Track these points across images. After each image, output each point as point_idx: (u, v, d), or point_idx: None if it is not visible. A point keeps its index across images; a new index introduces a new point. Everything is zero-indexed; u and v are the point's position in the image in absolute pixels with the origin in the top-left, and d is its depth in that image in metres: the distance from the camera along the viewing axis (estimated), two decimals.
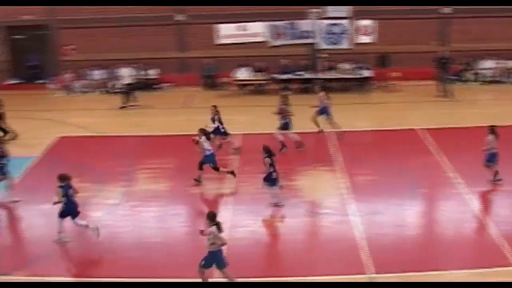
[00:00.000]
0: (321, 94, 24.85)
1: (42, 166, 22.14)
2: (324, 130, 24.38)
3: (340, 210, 18.06)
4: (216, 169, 20.09)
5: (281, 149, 22.36)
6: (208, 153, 20.03)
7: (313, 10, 29.97)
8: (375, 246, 15.74)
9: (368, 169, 20.98)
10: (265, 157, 18.09)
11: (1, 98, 25.20)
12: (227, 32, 30.83)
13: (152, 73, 31.94)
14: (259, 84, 30.96)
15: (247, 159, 21.89)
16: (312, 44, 30.65)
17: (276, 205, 18.26)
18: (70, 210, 16.47)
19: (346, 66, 31.54)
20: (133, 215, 18.48)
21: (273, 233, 17.04)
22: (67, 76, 32.23)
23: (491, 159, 19.07)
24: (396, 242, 16.23)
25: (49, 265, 15.80)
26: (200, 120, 24.75)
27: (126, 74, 30.60)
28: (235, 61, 30.82)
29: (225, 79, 31.67)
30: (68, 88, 32.17)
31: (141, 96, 30.59)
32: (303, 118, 23.81)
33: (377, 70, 31.33)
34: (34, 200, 19.43)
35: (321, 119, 24.41)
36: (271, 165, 18.20)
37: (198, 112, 26.77)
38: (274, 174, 18.29)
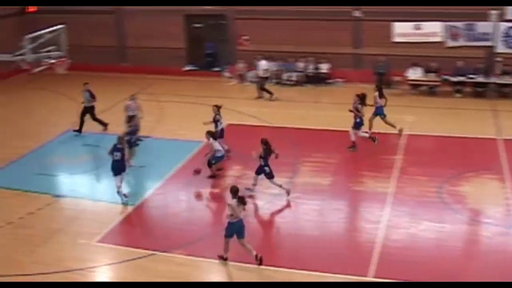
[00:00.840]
0: (376, 94, 24.16)
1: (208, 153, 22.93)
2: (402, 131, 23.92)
3: (503, 221, 17.42)
4: (210, 165, 20.55)
5: (351, 147, 22.76)
6: (219, 154, 20.32)
7: (493, 11, 28.93)
8: None
9: None
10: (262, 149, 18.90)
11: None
12: (403, 30, 30.40)
13: (324, 68, 32.08)
14: (431, 85, 30.32)
15: (410, 160, 21.61)
16: (489, 47, 29.64)
17: (250, 194, 19.01)
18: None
19: None
20: (293, 207, 18.76)
21: (430, 237, 16.62)
22: (240, 65, 33.02)
23: None
24: None
25: (205, 247, 16.41)
26: (368, 117, 24.72)
27: (263, 67, 30.82)
28: (408, 60, 30.32)
29: (397, 78, 31.25)
30: (241, 77, 32.97)
31: (312, 90, 30.87)
32: (480, 123, 23.14)
33: None
34: (195, 184, 20.28)
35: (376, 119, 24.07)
36: (264, 158, 18.90)
37: (368, 109, 26.62)
38: (267, 169, 18.95)
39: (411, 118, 25.84)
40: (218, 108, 22.57)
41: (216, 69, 34.59)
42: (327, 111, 27.13)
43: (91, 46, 35.51)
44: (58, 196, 19.70)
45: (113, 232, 17.36)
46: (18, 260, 16.11)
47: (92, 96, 25.11)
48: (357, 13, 31.36)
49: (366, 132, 23.20)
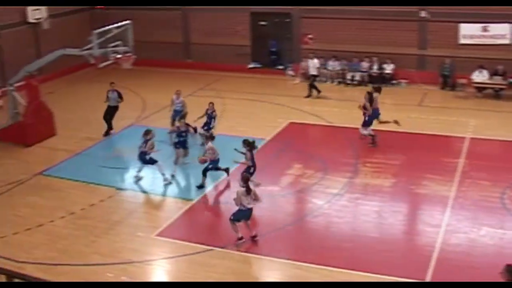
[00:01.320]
0: (375, 95, 23.78)
1: (271, 149, 23.08)
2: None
3: None
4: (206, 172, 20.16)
5: (371, 143, 23.06)
6: (217, 157, 20.02)
7: None
8: None
9: None
10: (247, 151, 18.86)
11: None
12: (469, 32, 29.98)
13: (388, 68, 31.79)
14: (497, 89, 29.71)
15: (473, 164, 21.27)
16: None
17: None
18: None
19: None
20: (353, 207, 18.67)
21: (490, 243, 16.27)
22: (304, 64, 32.95)
23: None
24: None
25: (263, 244, 16.49)
26: (433, 119, 24.47)
27: (313, 65, 30.59)
28: (474, 62, 29.80)
29: (462, 80, 30.76)
30: (304, 76, 32.92)
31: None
32: None
33: None
34: (256, 180, 20.37)
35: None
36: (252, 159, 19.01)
37: (432, 111, 26.43)
38: (252, 169, 18.98)
39: (475, 121, 25.43)
40: (213, 105, 23.64)
41: (279, 67, 34.61)
42: (389, 112, 26.81)
43: (156, 42, 35.96)
44: (120, 189, 20.07)
45: (172, 226, 17.58)
46: (79, 250, 16.47)
47: (120, 97, 25.40)
48: (423, 14, 30.96)
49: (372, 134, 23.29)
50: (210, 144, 19.90)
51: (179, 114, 23.67)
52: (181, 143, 21.34)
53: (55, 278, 13.74)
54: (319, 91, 29.97)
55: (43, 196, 19.93)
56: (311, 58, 30.57)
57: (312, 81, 30.24)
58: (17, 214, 18.71)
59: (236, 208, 16.23)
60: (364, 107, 22.95)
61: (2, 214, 18.76)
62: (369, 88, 26.41)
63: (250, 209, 16.14)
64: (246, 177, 16.35)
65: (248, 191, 15.93)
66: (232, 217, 16.24)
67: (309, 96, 29.85)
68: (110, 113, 25.45)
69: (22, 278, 8.63)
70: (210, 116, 23.43)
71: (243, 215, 16.18)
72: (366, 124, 23.01)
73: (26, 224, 17.97)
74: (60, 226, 17.83)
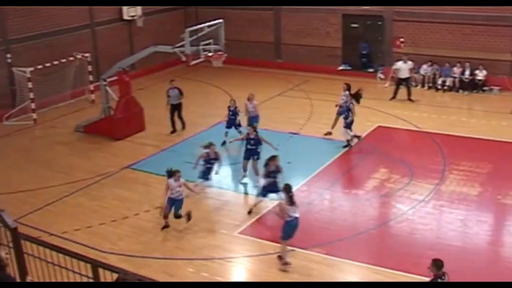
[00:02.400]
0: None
1: (358, 152, 23.00)
2: None
3: None
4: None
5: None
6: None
7: None
8: None
9: None
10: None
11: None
12: None
13: (480, 74, 31.04)
14: None
15: None
16: None
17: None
18: None
19: None
20: (437, 214, 18.38)
21: None
22: (395, 67, 32.51)
23: None
24: None
25: (344, 248, 16.48)
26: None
27: (404, 68, 29.90)
28: None
29: None
30: (394, 80, 32.51)
31: (466, 97, 30.02)
32: None
33: None
34: (340, 184, 20.32)
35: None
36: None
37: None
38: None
39: None
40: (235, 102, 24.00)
41: (370, 70, 34.31)
42: (479, 119, 26.34)
43: (247, 41, 36.27)
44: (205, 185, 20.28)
45: (255, 225, 17.72)
46: (162, 244, 16.79)
47: (181, 93, 25.62)
48: None
49: (356, 136, 23.08)
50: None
51: (255, 120, 23.65)
52: (252, 152, 20.66)
53: (137, 270, 13.99)
54: (409, 94, 29.54)
55: (129, 189, 20.43)
56: (404, 61, 30.04)
57: (399, 84, 29.77)
58: (104, 206, 19.26)
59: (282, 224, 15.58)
60: (349, 109, 22.68)
61: (90, 205, 19.33)
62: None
63: (297, 220, 15.41)
64: (289, 187, 15.45)
65: (290, 200, 15.20)
66: (282, 235, 15.51)
67: (393, 98, 29.53)
68: (175, 112, 25.77)
69: (106, 267, 8.83)
70: (234, 112, 23.81)
71: (290, 228, 15.43)
72: (348, 125, 22.77)
73: (112, 215, 18.48)
74: (145, 220, 18.23)
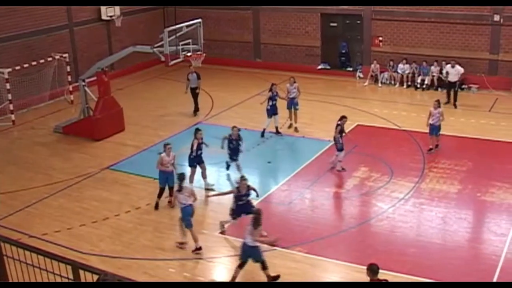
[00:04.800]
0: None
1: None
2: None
3: None
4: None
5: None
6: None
7: None
8: None
9: None
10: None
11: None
12: None
13: (454, 72, 30.96)
14: None
15: None
16: None
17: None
18: None
19: None
20: (418, 212, 18.46)
21: None
22: (373, 66, 32.64)
23: None
24: None
25: (325, 246, 16.51)
26: (503, 125, 24.02)
27: (452, 72, 29.69)
28: None
29: None
30: (373, 79, 32.64)
31: (444, 95, 30.15)
32: None
33: None
34: (320, 183, 20.34)
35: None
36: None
37: (503, 118, 25.85)
38: (193, 155, 19.54)
39: None
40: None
41: (349, 69, 34.39)
42: (458, 117, 26.48)
43: (226, 41, 36.30)
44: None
45: (237, 225, 17.64)
46: (143, 244, 16.75)
47: (199, 77, 27.02)
48: (496, 18, 30.26)
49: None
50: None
51: (294, 102, 24.71)
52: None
53: (118, 271, 13.96)
54: (455, 100, 28.62)
55: (109, 190, 20.33)
56: (452, 65, 29.14)
57: (450, 88, 29.05)
58: (84, 207, 19.15)
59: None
60: (334, 139, 21.46)
61: (70, 206, 19.23)
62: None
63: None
64: (258, 213, 14.87)
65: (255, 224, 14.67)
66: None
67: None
68: (195, 95, 27.28)
69: (86, 269, 8.77)
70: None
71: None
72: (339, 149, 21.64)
73: (92, 216, 18.40)
74: (125, 220, 18.16)
